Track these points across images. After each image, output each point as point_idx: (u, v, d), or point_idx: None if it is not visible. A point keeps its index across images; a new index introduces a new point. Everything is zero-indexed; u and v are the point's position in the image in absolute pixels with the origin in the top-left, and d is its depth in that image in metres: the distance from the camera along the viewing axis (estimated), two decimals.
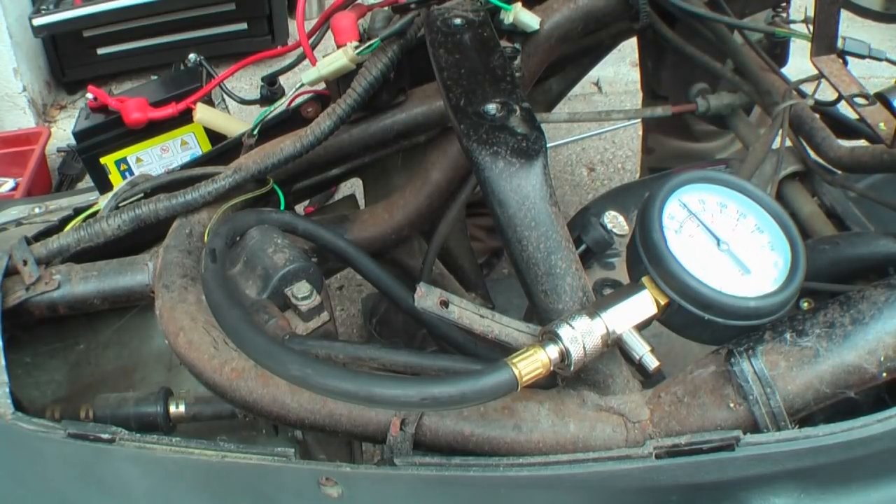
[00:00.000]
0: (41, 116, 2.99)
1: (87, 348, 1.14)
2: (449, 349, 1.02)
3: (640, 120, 2.07)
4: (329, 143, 1.09)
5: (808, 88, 1.18)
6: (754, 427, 0.70)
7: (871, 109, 1.05)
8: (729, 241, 0.76)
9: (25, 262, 0.99)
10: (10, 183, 2.57)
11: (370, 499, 0.77)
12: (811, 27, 1.12)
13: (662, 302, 0.73)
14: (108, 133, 1.58)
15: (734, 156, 1.73)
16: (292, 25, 3.11)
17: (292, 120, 1.24)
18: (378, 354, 0.84)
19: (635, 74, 2.18)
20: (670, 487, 0.69)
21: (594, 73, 2.31)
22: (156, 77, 2.05)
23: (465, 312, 0.74)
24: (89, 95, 1.60)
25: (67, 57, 3.02)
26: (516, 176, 0.75)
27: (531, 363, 0.68)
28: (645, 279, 0.75)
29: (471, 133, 0.78)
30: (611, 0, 1.21)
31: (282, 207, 1.10)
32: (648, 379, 0.77)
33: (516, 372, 0.67)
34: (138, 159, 1.61)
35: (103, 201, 1.07)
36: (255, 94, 1.52)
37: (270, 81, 1.50)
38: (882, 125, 1.04)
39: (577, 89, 1.69)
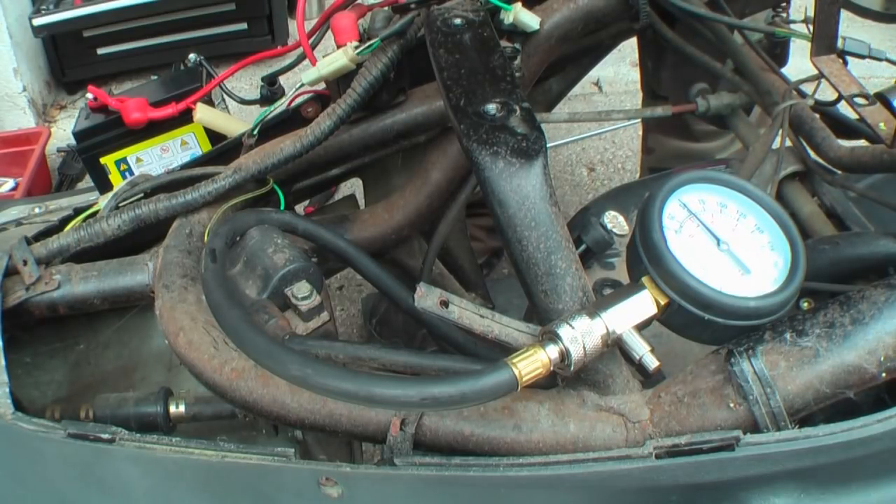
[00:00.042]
0: (41, 116, 2.99)
1: (87, 348, 1.14)
2: (449, 349, 1.02)
3: (640, 120, 2.07)
4: (329, 143, 1.09)
5: (808, 88, 1.18)
6: (754, 427, 0.70)
7: (871, 109, 1.05)
8: (729, 241, 0.76)
9: (25, 262, 0.99)
10: (10, 183, 2.57)
11: (370, 499, 0.77)
12: (811, 27, 1.12)
13: (662, 302, 0.73)
14: (108, 133, 1.58)
15: (734, 156, 1.73)
16: (292, 25, 3.11)
17: (292, 120, 1.24)
18: (378, 354, 0.84)
19: (635, 74, 2.18)
20: (670, 487, 0.69)
21: (594, 73, 2.31)
22: (156, 77, 2.05)
23: (465, 312, 0.74)
24: (89, 95, 1.60)
25: (67, 57, 3.02)
26: (516, 176, 0.75)
27: (531, 363, 0.68)
28: (645, 279, 0.75)
29: (471, 133, 0.78)
30: (611, 0, 1.21)
31: (282, 207, 1.10)
32: (648, 379, 0.77)
33: (516, 372, 0.67)
34: (138, 159, 1.61)
35: (103, 201, 1.07)
36: (255, 94, 1.52)
37: (270, 81, 1.50)
38: (882, 125, 1.04)
39: (577, 89, 1.69)
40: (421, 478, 0.74)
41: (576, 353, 0.69)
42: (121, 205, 1.05)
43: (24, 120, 2.91)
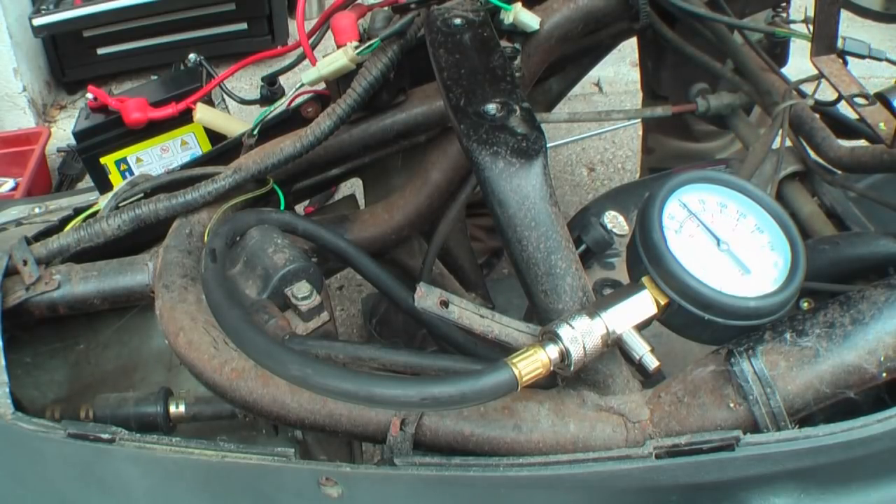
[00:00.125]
0: (41, 116, 2.99)
1: (87, 348, 1.14)
2: (449, 349, 1.02)
3: (640, 120, 2.07)
4: (329, 143, 1.09)
5: (808, 88, 1.18)
6: (754, 427, 0.70)
7: (871, 109, 1.05)
8: (729, 241, 0.76)
9: (25, 262, 0.99)
10: (10, 183, 2.57)
11: (370, 499, 0.77)
12: (811, 27, 1.12)
13: (662, 302, 0.73)
14: (108, 133, 1.58)
15: (734, 156, 1.73)
16: (292, 25, 3.11)
17: (292, 120, 1.24)
18: (378, 354, 0.84)
19: (635, 74, 2.18)
20: (670, 487, 0.69)
21: (594, 73, 2.31)
22: (156, 77, 2.05)
23: (465, 312, 0.74)
24: (89, 95, 1.60)
25: (67, 57, 3.02)
26: (516, 176, 0.75)
27: (531, 363, 0.68)
28: (645, 279, 0.75)
29: (471, 133, 0.78)
30: (611, 0, 1.21)
31: (282, 207, 1.10)
32: (648, 379, 0.77)
33: (516, 372, 0.67)
34: (138, 159, 1.61)
35: (103, 201, 1.07)
36: (255, 94, 1.52)
37: (270, 81, 1.50)
38: (882, 125, 1.04)
39: (577, 89, 1.69)
40: (421, 478, 0.74)
41: (576, 353, 0.69)
42: (121, 205, 1.05)
43: (24, 120, 2.91)
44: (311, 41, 1.25)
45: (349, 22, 1.11)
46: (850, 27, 1.20)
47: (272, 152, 1.03)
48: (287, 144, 1.03)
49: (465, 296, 1.37)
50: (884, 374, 0.70)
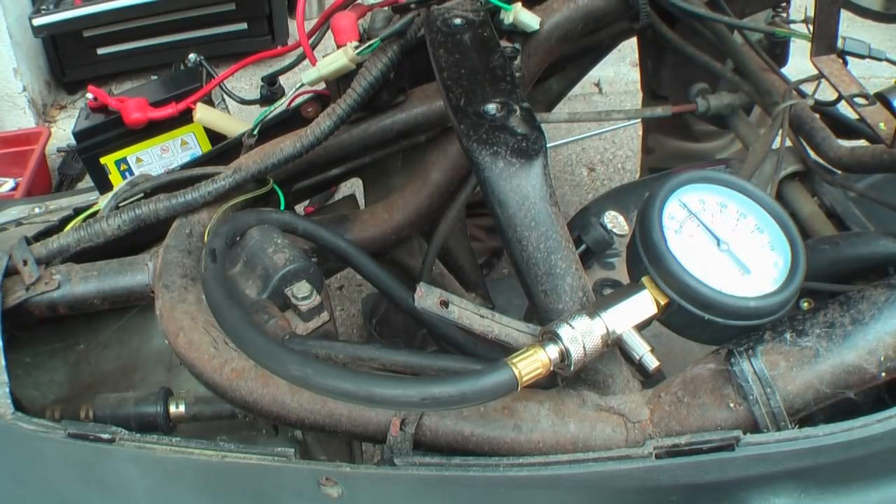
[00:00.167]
0: (41, 116, 2.99)
1: (87, 348, 1.14)
2: (449, 349, 1.02)
3: (640, 120, 2.07)
4: (329, 143, 1.09)
5: (808, 88, 1.18)
6: (754, 427, 0.70)
7: (871, 109, 1.05)
8: (729, 241, 0.76)
9: (25, 262, 0.99)
10: (10, 183, 2.57)
11: (370, 499, 0.77)
12: (811, 27, 1.12)
13: (662, 302, 0.73)
14: (108, 133, 1.58)
15: (734, 156, 1.73)
16: (292, 25, 3.11)
17: (292, 120, 1.24)
18: (378, 354, 0.84)
19: (635, 74, 2.18)
20: (670, 487, 0.69)
21: (594, 73, 2.30)
22: (156, 77, 2.05)
23: (465, 312, 0.74)
24: (89, 95, 1.60)
25: (67, 57, 3.02)
26: (516, 176, 0.75)
27: (531, 363, 0.68)
28: (645, 279, 0.75)
29: (471, 133, 0.78)
30: (611, 0, 1.21)
31: (282, 207, 1.10)
32: (648, 379, 0.77)
33: (516, 372, 0.67)
34: (138, 159, 1.61)
35: (103, 201, 1.07)
36: (255, 94, 1.52)
37: (270, 81, 1.50)
38: (882, 125, 1.04)
39: (577, 89, 1.69)
40: (421, 478, 0.74)
41: (576, 353, 0.69)
42: (121, 205, 1.05)
43: (24, 120, 2.91)
44: (311, 41, 1.25)
45: (349, 22, 1.11)
46: (850, 27, 1.20)
47: (272, 152, 1.03)
48: (287, 144, 1.03)
49: (465, 296, 1.37)
50: (884, 374, 0.70)
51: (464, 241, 1.45)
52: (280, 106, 1.24)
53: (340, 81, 1.11)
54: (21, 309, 0.97)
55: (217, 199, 1.02)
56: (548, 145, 0.78)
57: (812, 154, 1.15)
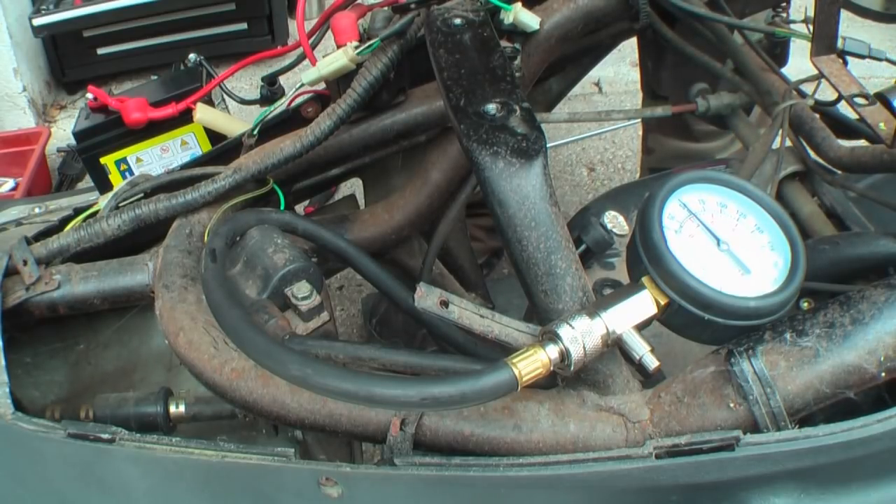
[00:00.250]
0: (41, 116, 2.99)
1: (87, 348, 1.14)
2: (449, 349, 1.02)
3: (640, 120, 2.07)
4: (329, 143, 1.09)
5: (808, 88, 1.18)
6: (754, 427, 0.70)
7: (871, 109, 1.05)
8: (729, 241, 0.76)
9: (25, 262, 0.99)
10: (10, 183, 2.57)
11: (370, 499, 0.77)
12: (811, 27, 1.12)
13: (662, 302, 0.73)
14: (108, 133, 1.58)
15: (734, 156, 1.73)
16: (292, 25, 3.11)
17: (292, 120, 1.24)
18: (378, 354, 0.84)
19: (635, 74, 2.18)
20: (670, 487, 0.69)
21: (594, 73, 2.30)
22: (156, 77, 2.05)
23: (465, 312, 0.74)
24: (89, 95, 1.60)
25: (67, 57, 3.02)
26: (516, 176, 0.75)
27: (531, 363, 0.68)
28: (645, 279, 0.75)
29: (471, 133, 0.78)
30: (611, 0, 1.21)
31: (282, 207, 1.10)
32: (648, 379, 0.77)
33: (516, 372, 0.67)
34: (138, 159, 1.61)
35: (103, 201, 1.07)
36: (255, 94, 1.52)
37: (270, 81, 1.50)
38: (882, 125, 1.04)
39: (577, 89, 1.69)
40: (421, 478, 0.74)
41: (576, 353, 0.69)
42: (121, 205, 1.05)
43: (24, 120, 2.91)
44: (311, 41, 1.25)
45: (349, 22, 1.11)
46: (850, 27, 1.20)
47: (272, 152, 1.03)
48: (287, 144, 1.03)
49: (465, 296, 1.37)
50: (884, 374, 0.70)
51: (464, 241, 1.45)
52: (280, 106, 1.24)
53: (340, 81, 1.11)
54: (21, 309, 0.97)
55: (217, 199, 1.02)
56: (548, 145, 0.78)
57: (812, 154, 1.15)
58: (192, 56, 1.69)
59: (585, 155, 2.66)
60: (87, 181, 2.14)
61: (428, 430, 0.77)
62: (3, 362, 0.88)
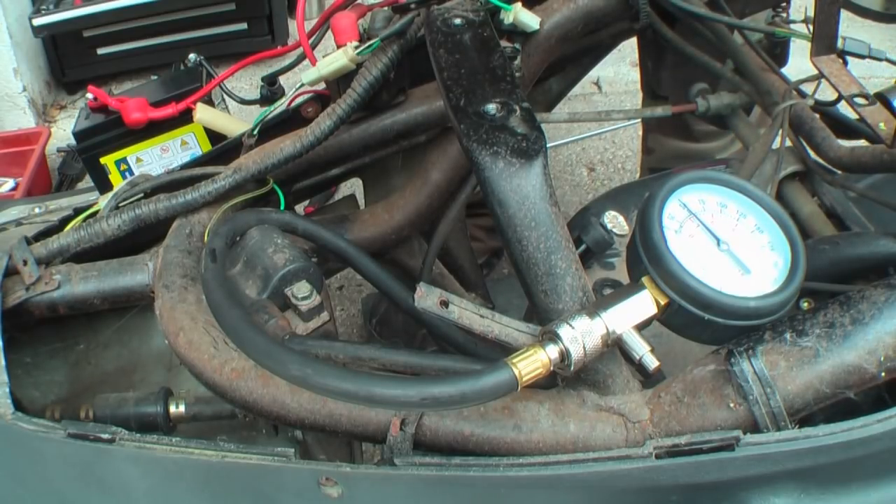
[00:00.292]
0: (41, 116, 2.99)
1: (87, 348, 1.14)
2: (449, 349, 1.02)
3: (640, 120, 2.07)
4: (329, 143, 1.09)
5: (808, 88, 1.18)
6: (754, 427, 0.70)
7: (871, 109, 1.05)
8: (729, 241, 0.76)
9: (25, 262, 0.99)
10: (10, 183, 2.57)
11: (370, 499, 0.77)
12: (811, 27, 1.12)
13: (662, 302, 0.73)
14: (108, 133, 1.58)
15: (734, 156, 1.73)
16: (292, 25, 3.11)
17: (292, 120, 1.24)
18: (378, 354, 0.84)
19: (635, 74, 2.18)
20: (670, 487, 0.69)
21: (594, 73, 2.31)
22: (156, 77, 2.05)
23: (465, 312, 0.74)
24: (89, 95, 1.59)
25: (67, 57, 3.02)
26: (516, 176, 0.75)
27: (531, 363, 0.68)
28: (645, 279, 0.75)
29: (471, 133, 0.78)
30: (611, 0, 1.21)
31: (282, 207, 1.10)
32: (648, 379, 0.77)
33: (516, 372, 0.67)
34: (138, 159, 1.61)
35: (103, 201, 1.07)
36: (255, 94, 1.52)
37: (270, 81, 1.50)
38: (882, 125, 1.04)
39: (577, 89, 1.69)
40: (421, 478, 0.74)
41: (576, 353, 0.69)
42: (121, 205, 1.05)
43: (24, 120, 2.91)
44: (311, 41, 1.25)
45: (349, 22, 1.11)
46: (850, 27, 1.20)
47: (272, 152, 1.03)
48: (287, 144, 1.03)
49: (465, 296, 1.37)
50: (884, 374, 0.70)
51: (464, 241, 1.45)
52: (280, 106, 1.24)
53: (340, 81, 1.11)
54: (21, 309, 0.97)
55: (217, 199, 1.02)
56: (548, 145, 0.78)
57: (812, 154, 1.15)
58: (192, 56, 1.69)
59: (585, 155, 2.66)
60: (87, 181, 2.14)
61: (428, 430, 0.77)
62: (3, 362, 0.88)
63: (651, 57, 1.46)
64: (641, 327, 0.73)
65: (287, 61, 1.49)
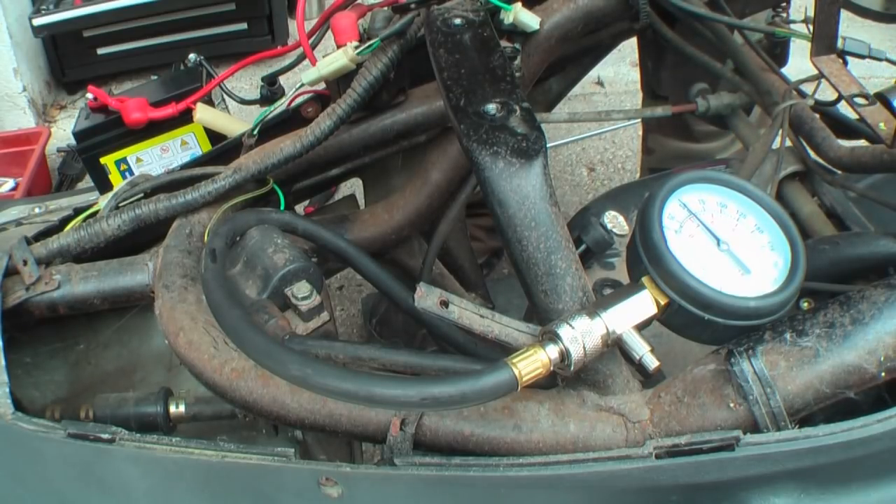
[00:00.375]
0: (41, 116, 2.99)
1: (87, 348, 1.14)
2: (449, 349, 1.02)
3: (640, 120, 2.07)
4: (329, 143, 1.09)
5: (808, 88, 1.18)
6: (754, 427, 0.70)
7: (871, 109, 1.05)
8: (729, 241, 0.76)
9: (25, 262, 0.99)
10: (10, 183, 2.57)
11: (370, 499, 0.77)
12: (811, 27, 1.12)
13: (662, 302, 0.73)
14: (108, 133, 1.58)
15: (734, 156, 1.73)
16: (292, 25, 3.11)
17: (292, 120, 1.24)
18: (378, 354, 0.84)
19: (635, 74, 2.18)
20: (670, 487, 0.69)
21: (596, 72, 2.31)
22: (156, 77, 2.05)
23: (465, 312, 0.74)
24: (89, 95, 1.60)
25: (67, 57, 3.02)
26: (516, 176, 0.75)
27: (531, 363, 0.68)
28: (645, 279, 0.75)
29: (471, 133, 0.78)
30: (611, 0, 1.21)
31: (282, 207, 1.10)
32: (648, 379, 0.77)
33: (516, 372, 0.67)
34: (138, 159, 1.61)
35: (103, 201, 1.07)
36: (255, 94, 1.52)
37: (270, 81, 1.50)
38: (882, 125, 1.04)
39: (577, 89, 1.69)
40: (421, 478, 0.74)
41: (576, 353, 0.69)
42: (121, 205, 1.05)
43: (24, 120, 2.91)
44: (311, 41, 1.25)
45: (349, 22, 1.11)
46: (850, 27, 1.20)
47: (272, 152, 1.03)
48: (287, 144, 1.03)
49: (465, 296, 1.37)
50: (884, 374, 0.70)
51: (464, 241, 1.45)
52: (280, 106, 1.24)
53: (340, 81, 1.11)
54: (21, 309, 0.97)
55: (217, 199, 1.02)
56: (548, 145, 0.78)
57: (812, 154, 1.15)
58: (192, 56, 1.69)
59: (585, 155, 2.66)
60: (87, 181, 2.14)
61: (428, 430, 0.77)
62: (3, 362, 0.88)
63: (651, 57, 1.46)
64: (641, 327, 0.73)
65: (287, 61, 1.49)
